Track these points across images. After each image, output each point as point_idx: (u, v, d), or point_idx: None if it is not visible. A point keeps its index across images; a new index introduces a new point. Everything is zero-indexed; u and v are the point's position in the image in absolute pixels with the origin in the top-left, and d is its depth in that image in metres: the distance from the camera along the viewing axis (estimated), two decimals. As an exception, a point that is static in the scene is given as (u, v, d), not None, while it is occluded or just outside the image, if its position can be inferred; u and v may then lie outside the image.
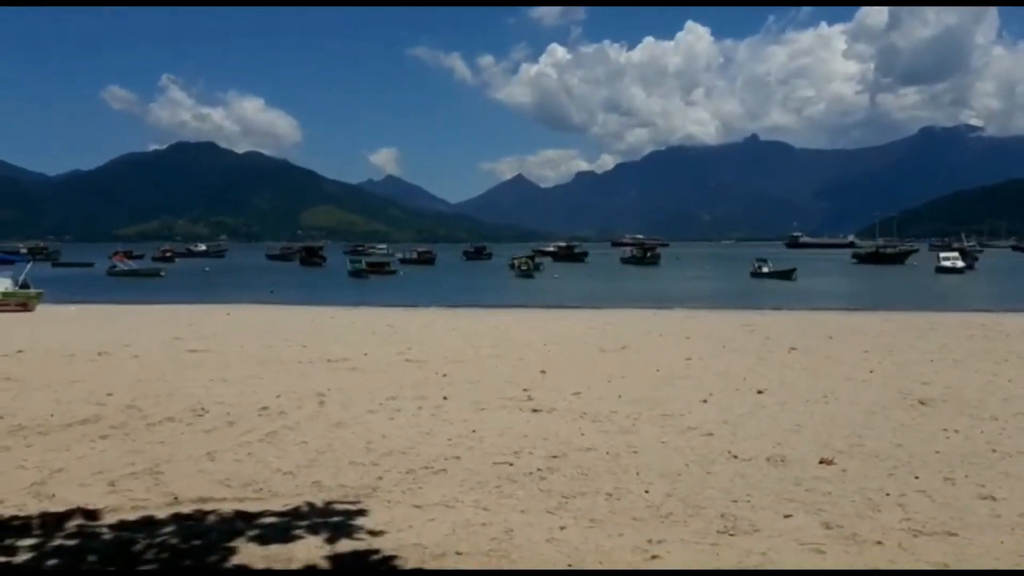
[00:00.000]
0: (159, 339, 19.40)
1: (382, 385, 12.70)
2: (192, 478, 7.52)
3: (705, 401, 11.41)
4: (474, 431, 9.46)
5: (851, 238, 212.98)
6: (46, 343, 18.20)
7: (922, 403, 11.24)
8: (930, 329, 22.29)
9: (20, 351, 16.61)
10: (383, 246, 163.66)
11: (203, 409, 10.66)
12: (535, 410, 10.72)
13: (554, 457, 8.31)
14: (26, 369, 14.19)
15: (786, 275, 63.63)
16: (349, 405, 11.06)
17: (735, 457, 8.33)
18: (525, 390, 12.23)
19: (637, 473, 7.72)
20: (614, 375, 13.84)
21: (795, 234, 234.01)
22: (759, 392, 12.10)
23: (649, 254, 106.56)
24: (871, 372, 14.22)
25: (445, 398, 11.57)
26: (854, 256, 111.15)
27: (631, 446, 8.80)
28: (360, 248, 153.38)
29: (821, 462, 8.11)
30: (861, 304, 37.88)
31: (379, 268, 78.74)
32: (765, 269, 68.25)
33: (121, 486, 7.24)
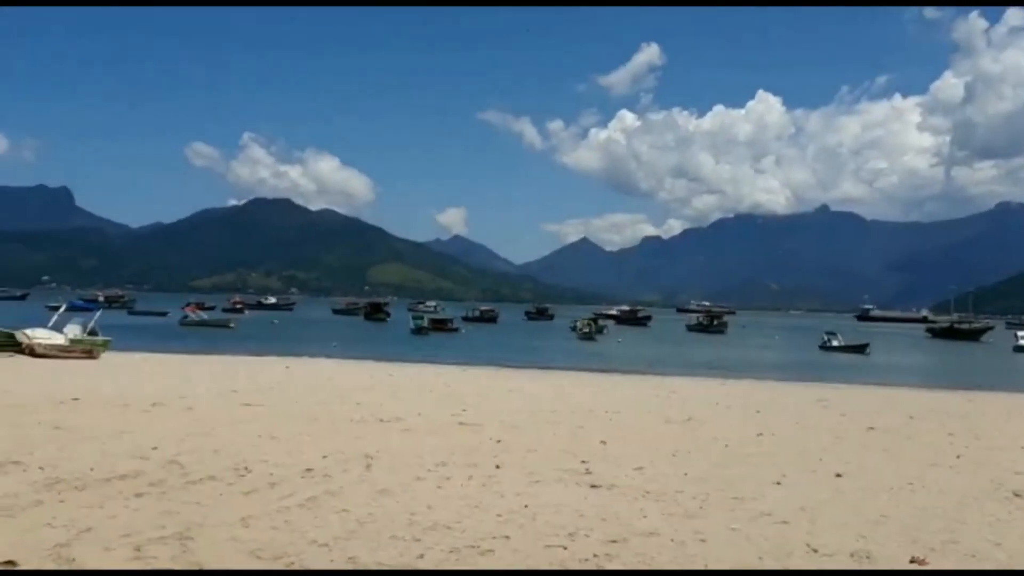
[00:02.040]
0: (215, 391, 19.23)
1: (433, 449, 12.13)
2: (222, 546, 7.02)
3: (779, 483, 10.54)
4: (526, 506, 8.78)
5: (924, 312, 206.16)
6: (103, 392, 18.14)
7: (1017, 495, 10.19)
8: (1016, 412, 20.89)
9: (76, 399, 16.52)
10: (433, 303, 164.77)
11: (246, 468, 10.22)
12: (594, 485, 10.00)
13: (613, 542, 7.58)
14: (78, 418, 14.02)
15: (859, 349, 61.30)
16: (397, 470, 10.50)
17: (814, 551, 7.49)
18: (584, 462, 11.51)
19: (705, 564, 6.97)
20: (679, 449, 13.03)
21: (866, 306, 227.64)
22: (837, 475, 11.17)
23: (716, 321, 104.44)
24: (958, 458, 13.12)
25: (498, 467, 10.93)
26: (928, 331, 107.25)
27: (698, 532, 8.02)
28: (419, 304, 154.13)
29: (912, 561, 7.26)
30: (939, 382, 36.02)
31: (442, 325, 78.72)
32: (835, 343, 66.00)
33: (146, 552, 6.77)
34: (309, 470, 10.25)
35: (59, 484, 9.04)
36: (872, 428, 16.50)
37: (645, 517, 8.57)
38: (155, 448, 11.34)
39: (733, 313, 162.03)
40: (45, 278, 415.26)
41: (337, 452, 11.53)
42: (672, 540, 7.70)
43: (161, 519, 7.78)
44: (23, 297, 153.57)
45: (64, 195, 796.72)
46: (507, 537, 7.60)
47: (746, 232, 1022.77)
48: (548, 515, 8.46)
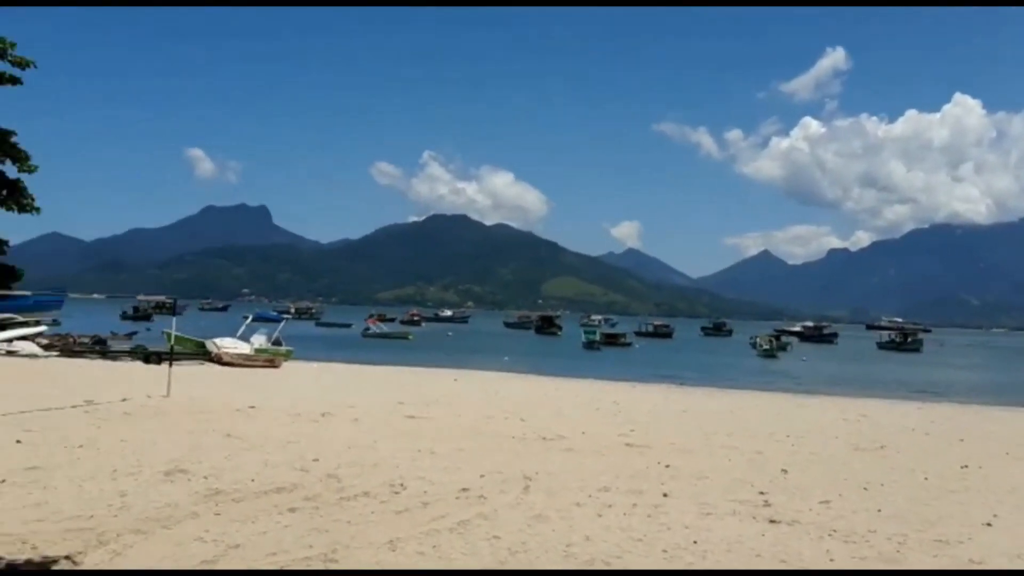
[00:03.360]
0: (383, 402, 19.38)
1: (596, 472, 11.41)
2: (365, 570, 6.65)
3: (989, 524, 9.11)
4: (695, 542, 7.90)
5: None
6: (278, 400, 18.66)
7: None
8: None
9: (252, 407, 17.04)
10: (597, 317, 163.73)
11: (402, 485, 9.92)
12: (773, 520, 8.95)
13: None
14: (250, 426, 14.35)
15: (1079, 371, 54.97)
16: (556, 493, 9.87)
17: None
18: (762, 493, 10.43)
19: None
20: (871, 481, 11.62)
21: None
22: (1063, 519, 9.53)
23: (910, 339, 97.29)
24: None
25: (665, 495, 10.06)
26: None
27: (898, 583, 6.89)
28: (587, 318, 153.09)
29: None
30: None
31: (614, 340, 77.69)
32: (1048, 363, 59.62)
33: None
34: (464, 490, 9.82)
35: (218, 495, 9.04)
36: (1106, 465, 14.26)
37: (832, 560, 7.52)
38: (316, 460, 11.30)
39: (928, 331, 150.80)
40: (245, 291, 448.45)
41: (495, 471, 11.05)
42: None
43: (309, 537, 7.53)
44: (225, 308, 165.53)
45: (263, 213, 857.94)
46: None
47: (942, 244, 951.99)
48: (720, 554, 7.57)
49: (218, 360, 29.51)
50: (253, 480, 9.87)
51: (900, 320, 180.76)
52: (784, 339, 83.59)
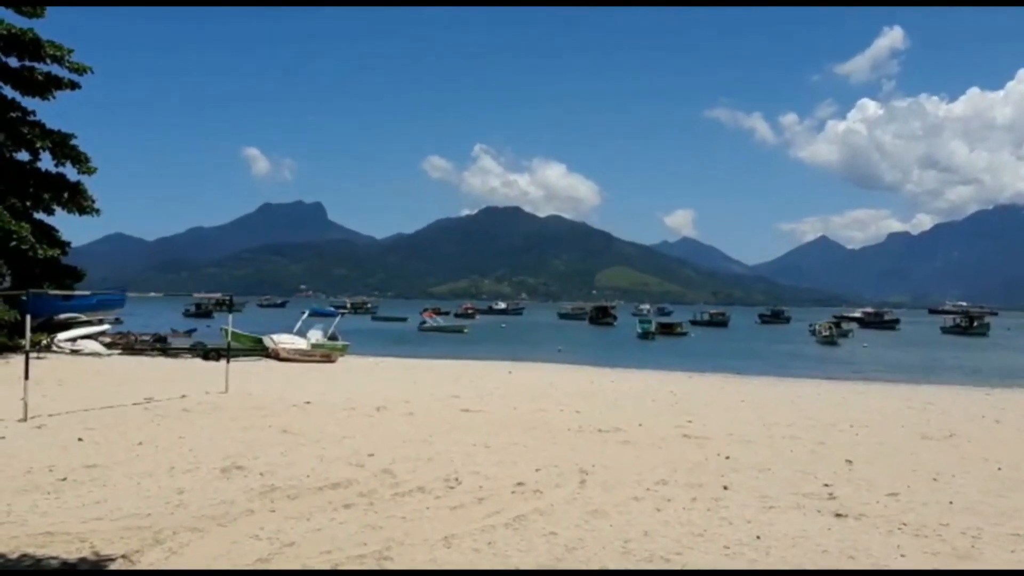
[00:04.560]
0: (438, 396, 19.36)
1: (654, 464, 11.19)
2: (419, 568, 6.57)
3: (1071, 518, 8.65)
4: (758, 537, 7.65)
5: None
6: (334, 395, 18.74)
7: None
8: None
9: (308, 402, 17.14)
10: (646, 306, 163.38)
11: (457, 480, 9.83)
12: (838, 514, 8.64)
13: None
14: (306, 422, 14.42)
15: None
16: (613, 487, 9.69)
17: None
18: (826, 485, 10.11)
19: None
20: (941, 472, 11.20)
21: None
22: None
23: (976, 323, 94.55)
24: None
25: (726, 488, 9.81)
26: None
27: (971, 581, 6.57)
28: (639, 309, 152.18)
29: None
30: None
31: (670, 329, 76.93)
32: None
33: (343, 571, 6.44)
34: (520, 484, 9.69)
35: (274, 492, 9.05)
36: None
37: (903, 556, 7.20)
38: (371, 455, 11.28)
39: (995, 315, 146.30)
40: (302, 286, 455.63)
41: (551, 465, 10.91)
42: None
43: (364, 534, 7.47)
44: (283, 304, 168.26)
45: (318, 210, 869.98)
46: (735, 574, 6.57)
47: (1008, 225, 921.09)
48: (784, 549, 7.31)
49: (275, 356, 29.87)
50: (308, 476, 9.88)
51: (965, 304, 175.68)
52: (844, 326, 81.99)
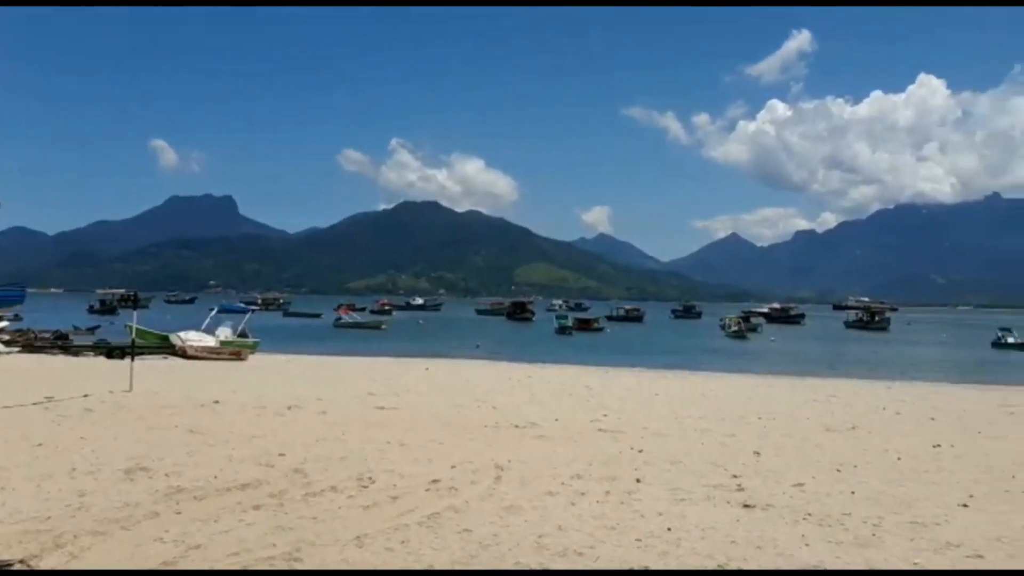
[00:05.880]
0: (352, 393, 19.13)
1: (569, 459, 11.27)
2: (330, 569, 6.46)
3: (965, 505, 9.06)
4: (669, 529, 7.78)
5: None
6: (244, 394, 18.32)
7: None
8: None
9: (217, 401, 16.71)
10: (558, 301, 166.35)
11: (370, 479, 9.70)
12: (747, 505, 8.86)
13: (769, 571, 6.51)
14: (214, 421, 14.05)
15: (1042, 347, 55.79)
16: (528, 482, 9.72)
17: (1025, 598, 6.15)
18: (735, 476, 10.36)
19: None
20: (844, 462, 11.59)
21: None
22: (1038, 497, 9.53)
23: (877, 318, 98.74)
24: None
25: (638, 481, 9.95)
26: None
27: (873, 566, 6.81)
28: (553, 305, 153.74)
29: None
30: None
31: (587, 325, 77.87)
32: (1010, 339, 60.61)
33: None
34: (435, 481, 9.63)
35: (179, 493, 8.78)
36: (1074, 440, 14.41)
37: (808, 545, 7.41)
38: (282, 455, 11.05)
39: (895, 310, 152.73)
40: (212, 282, 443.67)
41: (466, 461, 10.88)
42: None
43: (273, 535, 7.31)
44: (191, 301, 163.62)
45: (229, 204, 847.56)
46: (646, 568, 6.66)
47: (908, 224, 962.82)
48: (694, 541, 7.44)
49: (183, 354, 29.06)
50: (216, 477, 9.62)
51: (867, 299, 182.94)
52: (753, 321, 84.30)
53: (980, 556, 7.13)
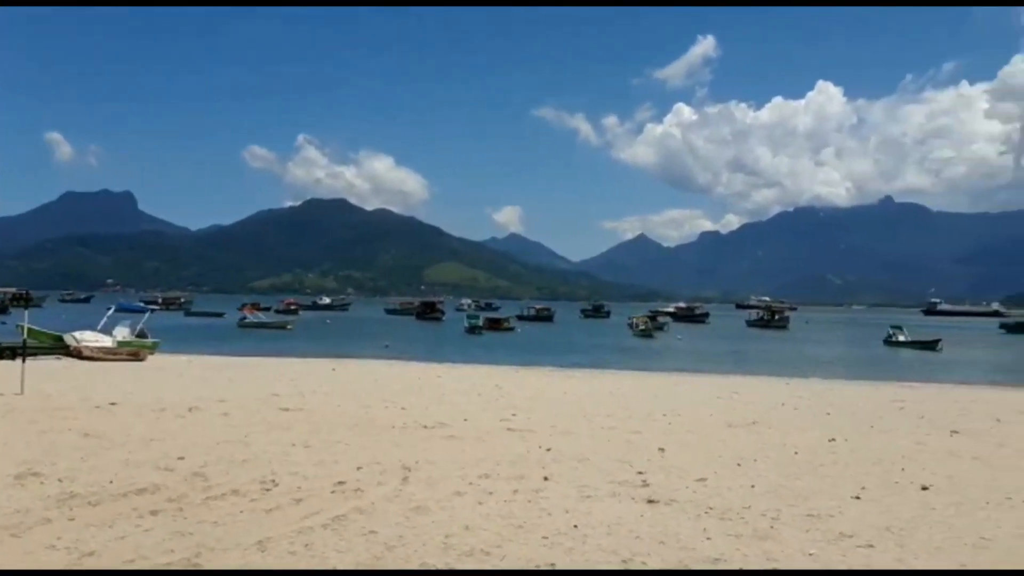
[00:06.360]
0: (256, 394, 18.65)
1: (477, 459, 11.26)
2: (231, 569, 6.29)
3: (858, 497, 9.42)
4: (576, 526, 7.84)
5: (996, 306, 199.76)
6: (142, 396, 17.67)
7: None
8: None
9: (113, 403, 16.07)
10: (467, 301, 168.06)
11: (273, 482, 9.48)
12: (651, 500, 9.01)
13: (673, 571, 6.63)
14: (110, 424, 13.49)
15: (930, 346, 58.63)
16: (436, 483, 9.66)
17: (911, 585, 6.43)
18: (640, 473, 10.53)
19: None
20: (745, 457, 11.93)
21: (933, 300, 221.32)
22: (924, 488, 9.99)
23: (777, 317, 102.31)
24: (1062, 466, 11.80)
25: (546, 479, 10.01)
26: (1001, 326, 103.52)
27: (771, 558, 7.01)
28: (462, 305, 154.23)
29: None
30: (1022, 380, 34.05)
31: (497, 324, 78.06)
32: (900, 337, 63.64)
33: (145, 582, 6.05)
34: (340, 483, 9.47)
35: (73, 499, 8.40)
36: (956, 432, 15.17)
37: (709, 539, 7.58)
38: (181, 458, 10.68)
39: (795, 309, 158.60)
40: (110, 281, 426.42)
41: (373, 463, 10.74)
42: (741, 570, 6.71)
43: (172, 541, 7.06)
44: (87, 300, 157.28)
45: (127, 199, 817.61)
46: (552, 565, 6.70)
47: (806, 226, 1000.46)
48: (599, 537, 7.52)
49: (77, 354, 27.88)
50: (112, 482, 9.23)
51: (768, 299, 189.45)
52: (660, 320, 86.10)
53: (871, 546, 7.41)
